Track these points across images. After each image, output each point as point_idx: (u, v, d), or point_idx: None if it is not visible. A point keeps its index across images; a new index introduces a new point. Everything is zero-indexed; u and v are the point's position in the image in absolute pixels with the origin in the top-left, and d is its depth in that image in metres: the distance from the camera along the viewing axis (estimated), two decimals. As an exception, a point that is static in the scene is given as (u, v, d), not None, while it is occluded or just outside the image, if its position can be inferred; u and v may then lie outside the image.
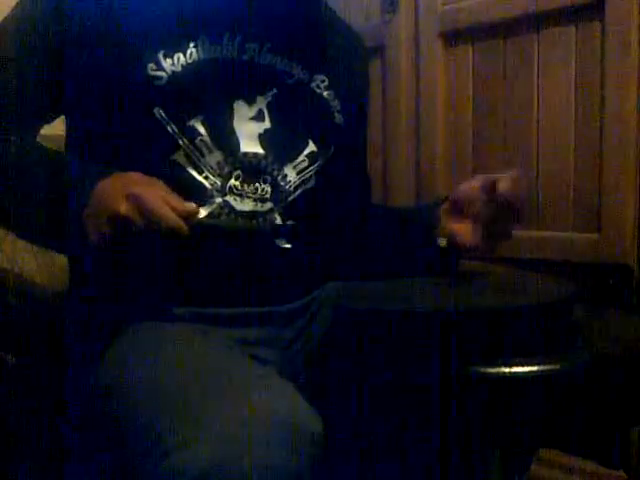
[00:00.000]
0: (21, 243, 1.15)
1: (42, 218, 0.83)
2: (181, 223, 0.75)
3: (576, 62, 1.46)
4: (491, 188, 0.91)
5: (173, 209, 0.76)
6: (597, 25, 1.41)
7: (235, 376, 0.74)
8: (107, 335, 0.88)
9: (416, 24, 1.73)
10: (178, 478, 0.63)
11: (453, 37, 1.67)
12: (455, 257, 1.02)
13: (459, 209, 0.98)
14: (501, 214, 0.92)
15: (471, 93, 1.65)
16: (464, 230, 0.97)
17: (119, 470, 0.81)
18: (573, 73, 1.47)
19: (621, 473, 1.40)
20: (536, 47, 1.52)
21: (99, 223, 0.76)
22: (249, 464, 0.63)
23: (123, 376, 0.82)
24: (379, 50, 1.81)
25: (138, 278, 0.90)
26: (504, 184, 0.89)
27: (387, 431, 0.82)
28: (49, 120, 0.96)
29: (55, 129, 0.99)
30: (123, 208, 0.75)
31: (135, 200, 0.75)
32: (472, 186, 0.96)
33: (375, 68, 1.82)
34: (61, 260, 1.09)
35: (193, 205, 0.79)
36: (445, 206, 1.01)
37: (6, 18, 0.94)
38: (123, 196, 0.76)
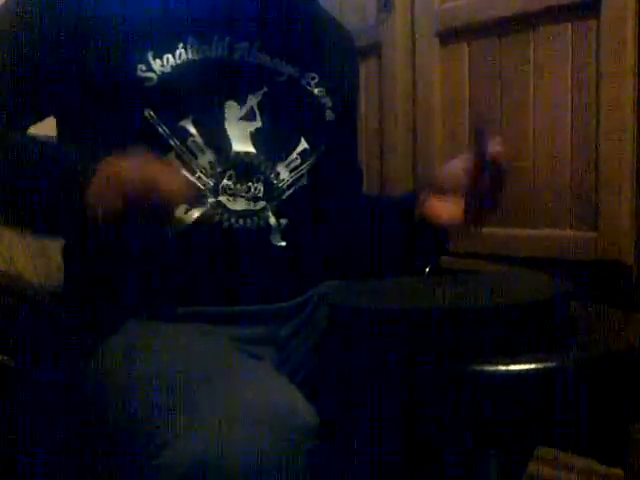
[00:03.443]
0: (18, 244, 1.15)
1: (35, 203, 0.82)
2: (181, 190, 0.75)
3: (572, 60, 1.46)
4: (480, 154, 0.90)
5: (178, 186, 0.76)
6: (593, 23, 1.41)
7: (230, 371, 0.75)
8: (103, 332, 0.89)
9: (412, 23, 1.73)
10: (173, 471, 0.64)
11: (449, 36, 1.67)
12: (441, 238, 1.02)
13: (442, 189, 0.97)
14: (485, 182, 0.91)
15: (467, 92, 1.65)
16: (446, 209, 0.96)
17: (115, 464, 0.81)
18: (569, 71, 1.47)
19: (619, 471, 1.40)
20: (532, 46, 1.52)
21: (107, 198, 0.75)
22: (242, 457, 0.63)
23: (119, 371, 0.83)
24: (375, 49, 1.81)
25: (133, 277, 0.90)
26: (494, 146, 0.88)
27: (383, 428, 0.82)
28: (37, 120, 0.95)
29: (45, 130, 0.99)
30: (134, 181, 0.74)
31: (145, 175, 0.74)
32: (454, 165, 0.96)
33: (371, 67, 1.82)
34: (57, 260, 1.08)
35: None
36: (424, 190, 1.00)
37: None
38: (133, 170, 0.75)
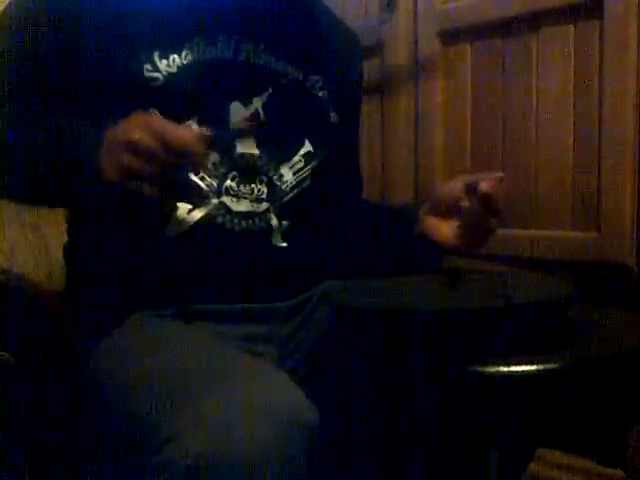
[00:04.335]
0: (20, 242, 1.15)
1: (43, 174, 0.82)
2: (198, 145, 0.74)
3: (575, 61, 1.46)
4: (472, 188, 0.91)
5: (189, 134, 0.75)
6: (596, 24, 1.41)
7: (231, 367, 0.75)
8: (105, 330, 0.89)
9: (415, 23, 1.73)
10: (175, 467, 0.64)
11: (452, 36, 1.67)
12: (438, 255, 1.02)
13: (441, 209, 0.99)
14: (482, 214, 0.92)
15: (469, 92, 1.65)
16: (444, 229, 0.97)
17: (117, 460, 0.82)
18: (572, 72, 1.46)
19: (619, 471, 1.40)
20: (535, 46, 1.52)
21: (118, 155, 0.74)
22: (243, 453, 0.63)
23: (121, 368, 0.83)
24: (378, 49, 1.81)
25: (135, 276, 0.90)
26: (486, 184, 0.89)
27: (384, 428, 0.82)
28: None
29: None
30: (139, 135, 0.73)
31: (151, 127, 0.74)
32: (454, 186, 0.97)
33: (374, 67, 1.82)
34: (59, 258, 1.09)
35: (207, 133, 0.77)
36: (426, 206, 1.01)
37: None
38: (139, 126, 0.74)
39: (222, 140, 0.89)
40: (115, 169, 0.75)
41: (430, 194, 1.02)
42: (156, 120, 0.76)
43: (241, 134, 0.92)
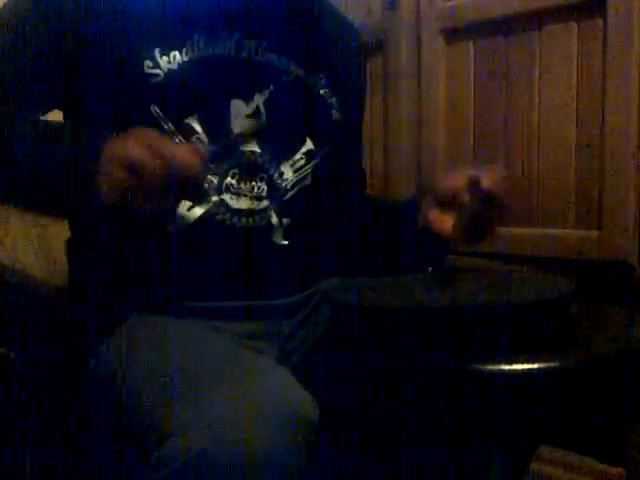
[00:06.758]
0: (22, 239, 1.15)
1: (41, 184, 0.81)
2: (195, 161, 0.72)
3: (578, 59, 1.46)
4: (475, 183, 0.90)
5: (185, 149, 0.74)
6: (599, 22, 1.41)
7: (232, 363, 0.76)
8: (107, 327, 0.89)
9: (417, 20, 1.73)
10: (176, 462, 0.65)
11: (454, 34, 1.67)
12: (442, 249, 1.02)
13: (443, 202, 0.97)
14: (484, 208, 0.91)
15: (472, 90, 1.65)
16: (447, 221, 0.95)
17: (118, 455, 0.82)
18: (575, 70, 1.46)
19: (621, 470, 1.40)
20: (537, 44, 1.52)
21: (113, 173, 0.73)
22: (245, 449, 0.64)
23: (124, 363, 0.83)
24: (380, 47, 1.81)
25: (136, 273, 0.90)
26: (487, 179, 0.88)
27: (383, 426, 0.82)
28: (42, 112, 0.95)
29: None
30: (137, 152, 0.72)
31: (149, 144, 0.72)
32: (456, 180, 0.95)
33: (376, 64, 1.82)
34: (61, 256, 1.09)
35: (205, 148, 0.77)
36: (428, 199, 1.00)
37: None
38: (137, 144, 0.73)
39: (221, 155, 0.88)
40: (111, 189, 0.73)
41: (433, 186, 1.01)
42: (155, 139, 0.74)
43: (239, 143, 0.92)
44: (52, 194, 0.82)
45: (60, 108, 0.95)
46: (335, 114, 1.03)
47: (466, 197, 0.92)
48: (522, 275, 1.07)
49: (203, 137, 0.90)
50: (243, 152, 0.93)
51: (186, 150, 0.73)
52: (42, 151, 0.81)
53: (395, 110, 1.81)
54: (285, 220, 0.96)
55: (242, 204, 0.92)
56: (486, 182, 0.88)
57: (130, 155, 0.72)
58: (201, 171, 0.73)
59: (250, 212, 0.93)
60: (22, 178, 0.83)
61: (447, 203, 0.96)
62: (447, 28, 1.67)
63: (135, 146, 0.73)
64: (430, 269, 1.01)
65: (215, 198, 0.90)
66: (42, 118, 0.94)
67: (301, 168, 0.98)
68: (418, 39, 1.73)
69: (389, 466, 0.89)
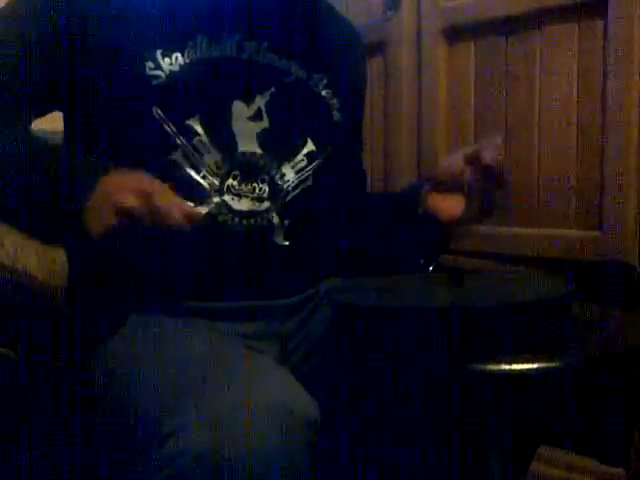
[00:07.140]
0: (23, 240, 1.15)
1: (37, 210, 0.82)
2: (185, 224, 0.74)
3: (578, 60, 1.46)
4: (474, 157, 0.89)
5: (178, 209, 0.74)
6: (600, 23, 1.41)
7: (233, 363, 0.76)
8: (107, 327, 0.89)
9: (418, 21, 1.73)
10: (175, 461, 0.65)
11: (455, 34, 1.67)
12: (444, 234, 1.01)
13: (443, 185, 0.97)
14: (485, 182, 0.90)
15: (473, 90, 1.65)
16: (448, 204, 0.96)
17: (119, 454, 0.82)
18: (575, 71, 1.46)
19: (621, 471, 1.40)
20: (538, 45, 1.52)
21: (103, 215, 0.75)
22: (245, 448, 0.64)
23: (123, 365, 0.83)
24: (381, 47, 1.81)
25: (137, 274, 0.90)
26: (487, 154, 0.87)
27: (386, 426, 0.82)
28: (41, 114, 0.95)
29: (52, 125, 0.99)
30: (131, 201, 0.74)
31: (143, 195, 0.74)
32: (454, 160, 0.94)
33: (377, 65, 1.82)
34: (62, 256, 1.09)
35: (200, 212, 0.79)
36: (428, 185, 1.00)
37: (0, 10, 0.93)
38: (131, 190, 0.75)
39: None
40: (101, 229, 0.75)
41: (431, 172, 1.01)
42: (155, 190, 0.75)
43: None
44: (41, 219, 0.83)
45: (61, 110, 0.95)
46: (336, 115, 1.03)
47: (467, 174, 0.91)
48: (522, 275, 1.07)
49: (204, 139, 0.90)
50: (244, 153, 0.93)
51: (182, 210, 0.73)
52: (33, 172, 0.82)
53: (395, 110, 1.81)
54: (286, 221, 0.96)
55: (243, 205, 0.92)
56: (485, 156, 0.87)
57: (123, 202, 0.74)
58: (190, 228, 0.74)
59: (251, 213, 0.93)
60: (10, 200, 0.84)
61: (447, 185, 0.95)
62: (448, 28, 1.67)
63: (130, 192, 0.74)
64: (430, 269, 1.01)
65: (216, 199, 0.91)
66: (40, 134, 0.94)
67: (302, 169, 0.98)
68: (419, 39, 1.73)
69: (389, 466, 0.89)
